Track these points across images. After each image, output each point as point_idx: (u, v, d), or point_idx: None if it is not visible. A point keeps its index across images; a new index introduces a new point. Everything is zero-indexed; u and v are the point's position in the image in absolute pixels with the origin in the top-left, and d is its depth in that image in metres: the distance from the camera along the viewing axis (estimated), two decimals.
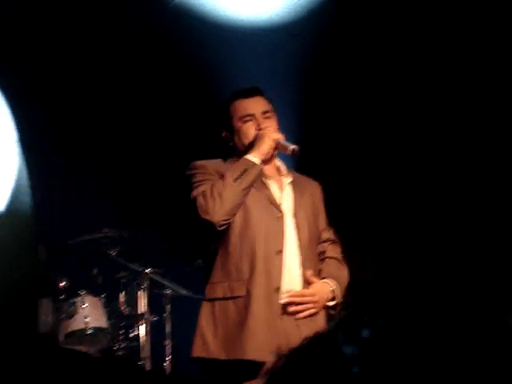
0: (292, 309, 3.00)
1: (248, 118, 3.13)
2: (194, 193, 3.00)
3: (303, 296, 3.03)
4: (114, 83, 4.86)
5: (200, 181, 3.05)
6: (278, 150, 3.11)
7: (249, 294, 2.96)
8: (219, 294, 3.01)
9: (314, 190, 3.32)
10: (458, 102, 5.12)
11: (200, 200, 2.93)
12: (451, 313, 4.90)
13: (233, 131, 3.17)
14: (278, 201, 3.13)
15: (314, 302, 3.03)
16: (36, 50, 4.55)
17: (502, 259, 5.21)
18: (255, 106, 3.17)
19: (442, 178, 5.29)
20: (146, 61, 4.76)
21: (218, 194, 2.91)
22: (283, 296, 3.01)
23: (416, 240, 5.35)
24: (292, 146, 3.05)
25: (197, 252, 3.52)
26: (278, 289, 3.00)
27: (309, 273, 3.07)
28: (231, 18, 4.54)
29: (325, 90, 5.02)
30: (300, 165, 3.48)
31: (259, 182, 3.11)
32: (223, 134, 3.22)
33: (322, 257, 3.25)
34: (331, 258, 3.27)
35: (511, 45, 4.62)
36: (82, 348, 4.37)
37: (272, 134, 3.06)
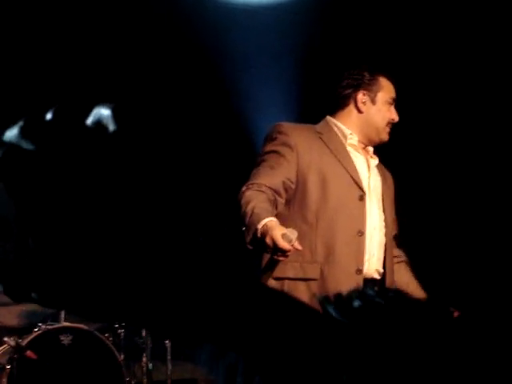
0: None
1: (393, 102, 3.11)
2: (255, 167, 2.95)
3: None
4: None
5: (268, 152, 2.96)
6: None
7: (323, 277, 2.85)
8: (289, 274, 2.87)
9: (391, 180, 3.26)
10: (453, 97, 5.12)
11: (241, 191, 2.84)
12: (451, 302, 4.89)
13: (374, 101, 3.08)
14: (362, 179, 3.02)
15: None
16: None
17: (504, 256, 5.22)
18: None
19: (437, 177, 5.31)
20: (153, 40, 4.76)
21: (244, 194, 2.81)
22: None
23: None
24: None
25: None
26: (359, 271, 2.90)
27: None
28: None
29: (327, 67, 5.01)
30: None
31: (345, 154, 3.02)
32: (360, 96, 3.08)
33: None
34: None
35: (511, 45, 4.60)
36: None
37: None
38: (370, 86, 3.09)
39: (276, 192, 2.89)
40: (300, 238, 2.72)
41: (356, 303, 1.24)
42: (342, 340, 1.18)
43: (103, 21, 4.60)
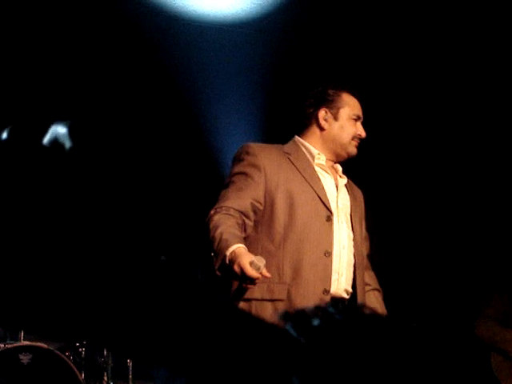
0: None
1: (357, 118, 3.12)
2: (223, 188, 2.95)
3: None
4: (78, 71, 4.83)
5: (236, 174, 2.97)
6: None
7: (290, 298, 2.84)
8: (256, 295, 2.85)
9: (361, 197, 3.27)
10: (432, 100, 5.17)
11: (210, 214, 2.85)
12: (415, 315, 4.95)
13: (337, 118, 3.09)
14: (330, 199, 3.03)
15: None
16: None
17: (469, 268, 5.28)
18: (362, 112, 3.17)
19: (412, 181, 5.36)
20: (113, 55, 4.74)
21: (210, 225, 2.81)
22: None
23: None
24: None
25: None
26: (326, 291, 2.89)
27: None
28: (198, 13, 4.54)
29: (291, 85, 5.04)
30: None
31: (312, 174, 3.03)
32: (321, 113, 3.10)
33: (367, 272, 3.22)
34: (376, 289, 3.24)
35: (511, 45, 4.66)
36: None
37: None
38: (331, 103, 3.10)
39: (244, 215, 2.89)
40: (267, 259, 2.74)
41: (316, 322, 1.24)
42: (300, 359, 1.18)
43: (61, 38, 4.57)
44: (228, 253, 2.66)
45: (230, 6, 4.43)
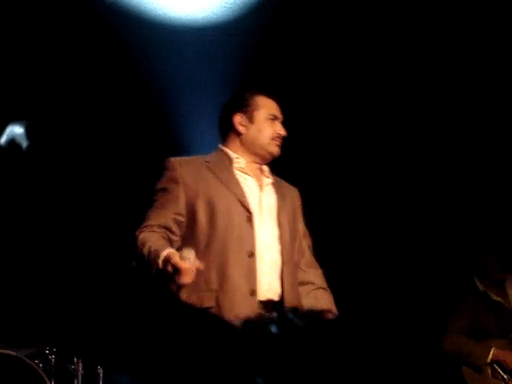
0: None
1: (274, 118, 3.18)
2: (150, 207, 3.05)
3: None
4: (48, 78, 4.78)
5: (157, 191, 3.07)
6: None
7: (219, 304, 2.88)
8: None
9: (295, 196, 3.30)
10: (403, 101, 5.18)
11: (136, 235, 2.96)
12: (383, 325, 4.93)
13: (252, 121, 3.15)
14: (250, 200, 3.06)
15: None
16: None
17: (438, 279, 5.26)
18: (280, 112, 3.23)
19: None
20: (82, 59, 4.70)
21: (140, 232, 2.95)
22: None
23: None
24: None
25: None
26: (253, 291, 2.93)
27: None
28: (168, 16, 4.51)
29: (262, 88, 5.02)
30: None
31: (230, 178, 3.09)
32: (236, 119, 3.17)
33: (304, 268, 3.21)
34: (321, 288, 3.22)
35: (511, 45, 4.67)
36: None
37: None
38: (246, 107, 3.17)
39: (168, 230, 2.98)
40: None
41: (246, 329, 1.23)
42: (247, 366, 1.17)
43: (22, 37, 4.52)
44: (160, 260, 2.75)
45: (201, 9, 4.41)
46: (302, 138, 5.24)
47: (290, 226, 3.16)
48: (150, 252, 2.82)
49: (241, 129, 3.16)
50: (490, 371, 4.47)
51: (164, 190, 3.05)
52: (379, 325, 4.60)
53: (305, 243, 3.24)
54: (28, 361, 4.24)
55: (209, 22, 4.54)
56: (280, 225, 3.10)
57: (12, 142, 3.86)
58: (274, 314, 1.35)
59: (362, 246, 5.27)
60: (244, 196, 3.05)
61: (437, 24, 4.56)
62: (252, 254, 2.96)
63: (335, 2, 4.44)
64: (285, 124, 3.24)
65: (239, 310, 2.83)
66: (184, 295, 2.84)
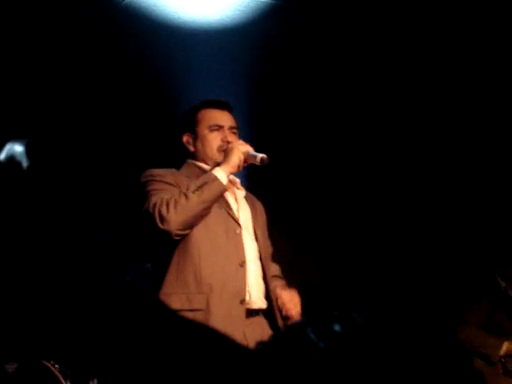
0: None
1: (216, 128, 3.21)
2: (152, 200, 2.95)
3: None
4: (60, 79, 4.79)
5: (157, 189, 3.01)
6: (246, 162, 3.12)
7: (209, 307, 2.92)
8: (176, 306, 2.93)
9: (261, 208, 3.39)
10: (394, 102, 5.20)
11: (157, 208, 2.89)
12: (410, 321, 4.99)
13: (197, 137, 3.22)
14: (235, 213, 3.14)
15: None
16: None
17: (454, 270, 5.32)
18: (225, 118, 3.25)
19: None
20: (95, 61, 4.71)
21: (175, 203, 2.88)
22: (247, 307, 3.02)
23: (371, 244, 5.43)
24: (260, 155, 3.06)
25: (147, 258, 3.51)
26: (242, 301, 3.00)
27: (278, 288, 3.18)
28: (183, 19, 4.52)
29: (276, 92, 5.05)
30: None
31: None
32: (184, 138, 3.26)
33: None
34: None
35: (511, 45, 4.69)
36: None
37: (241, 147, 3.10)
38: (188, 126, 3.26)
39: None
40: (185, 271, 2.93)
41: (337, 327, 1.26)
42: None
43: (18, 51, 4.53)
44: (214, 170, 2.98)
45: (215, 12, 4.41)
46: (312, 136, 5.28)
47: (264, 238, 3.27)
48: (199, 187, 2.95)
49: (189, 147, 3.24)
50: (501, 368, 4.52)
51: (161, 188, 3.03)
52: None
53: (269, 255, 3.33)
54: (44, 362, 4.26)
55: (222, 24, 4.55)
56: (257, 237, 3.19)
57: (11, 160, 3.87)
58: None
59: (386, 243, 5.34)
60: (231, 208, 3.13)
61: (437, 24, 4.57)
62: (243, 263, 3.04)
63: (350, 5, 4.45)
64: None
65: (227, 316, 2.92)
66: (174, 297, 2.92)
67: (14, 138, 4.24)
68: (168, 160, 3.28)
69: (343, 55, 4.83)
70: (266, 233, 3.33)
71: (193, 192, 2.92)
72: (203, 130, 3.21)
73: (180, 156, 3.34)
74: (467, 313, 4.68)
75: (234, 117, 3.32)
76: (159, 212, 2.88)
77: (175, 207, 2.87)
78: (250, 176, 3.51)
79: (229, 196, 3.18)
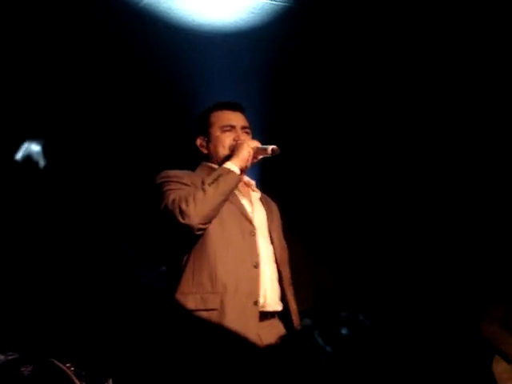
0: None
1: (228, 128, 3.22)
2: (171, 197, 2.95)
3: None
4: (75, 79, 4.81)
5: (174, 189, 3.01)
6: (257, 156, 3.12)
7: (223, 307, 2.91)
8: (191, 306, 2.93)
9: (277, 210, 3.38)
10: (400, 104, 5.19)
11: (177, 204, 2.89)
12: (429, 315, 4.98)
13: (210, 139, 3.23)
14: (250, 215, 3.14)
15: None
16: None
17: (475, 267, 5.32)
18: (237, 119, 3.26)
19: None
20: (111, 63, 4.73)
21: (194, 198, 2.89)
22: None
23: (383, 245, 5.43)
24: (271, 147, 3.07)
25: (161, 260, 3.51)
26: (256, 302, 2.99)
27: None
28: (197, 21, 4.54)
29: (291, 94, 5.05)
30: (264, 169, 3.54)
31: (231, 194, 3.09)
32: (198, 141, 3.27)
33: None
34: None
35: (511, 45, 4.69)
36: None
37: (250, 142, 3.12)
38: (202, 129, 3.26)
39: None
40: (201, 271, 2.93)
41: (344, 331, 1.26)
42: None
43: (38, 52, 4.55)
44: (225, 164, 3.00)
45: (230, 15, 4.43)
46: (325, 137, 5.28)
47: (279, 240, 3.25)
48: (213, 181, 2.96)
49: (202, 150, 3.26)
50: None
51: (178, 189, 3.02)
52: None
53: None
54: (59, 363, 4.27)
55: (236, 27, 4.57)
56: (272, 239, 3.19)
57: (28, 160, 3.89)
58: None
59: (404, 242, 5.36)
60: (246, 211, 3.13)
61: (437, 24, 4.57)
62: (257, 265, 3.03)
63: (362, 7, 4.46)
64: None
65: (241, 316, 2.91)
66: (189, 296, 2.93)
67: (31, 137, 4.25)
68: (183, 163, 3.29)
69: (356, 56, 4.84)
70: (282, 235, 3.32)
71: (209, 185, 2.93)
72: (216, 131, 3.23)
73: (195, 159, 3.34)
74: (491, 308, 4.69)
75: (247, 117, 3.32)
76: (179, 207, 2.89)
77: (194, 201, 2.88)
78: (263, 177, 3.51)
79: (244, 198, 3.19)
